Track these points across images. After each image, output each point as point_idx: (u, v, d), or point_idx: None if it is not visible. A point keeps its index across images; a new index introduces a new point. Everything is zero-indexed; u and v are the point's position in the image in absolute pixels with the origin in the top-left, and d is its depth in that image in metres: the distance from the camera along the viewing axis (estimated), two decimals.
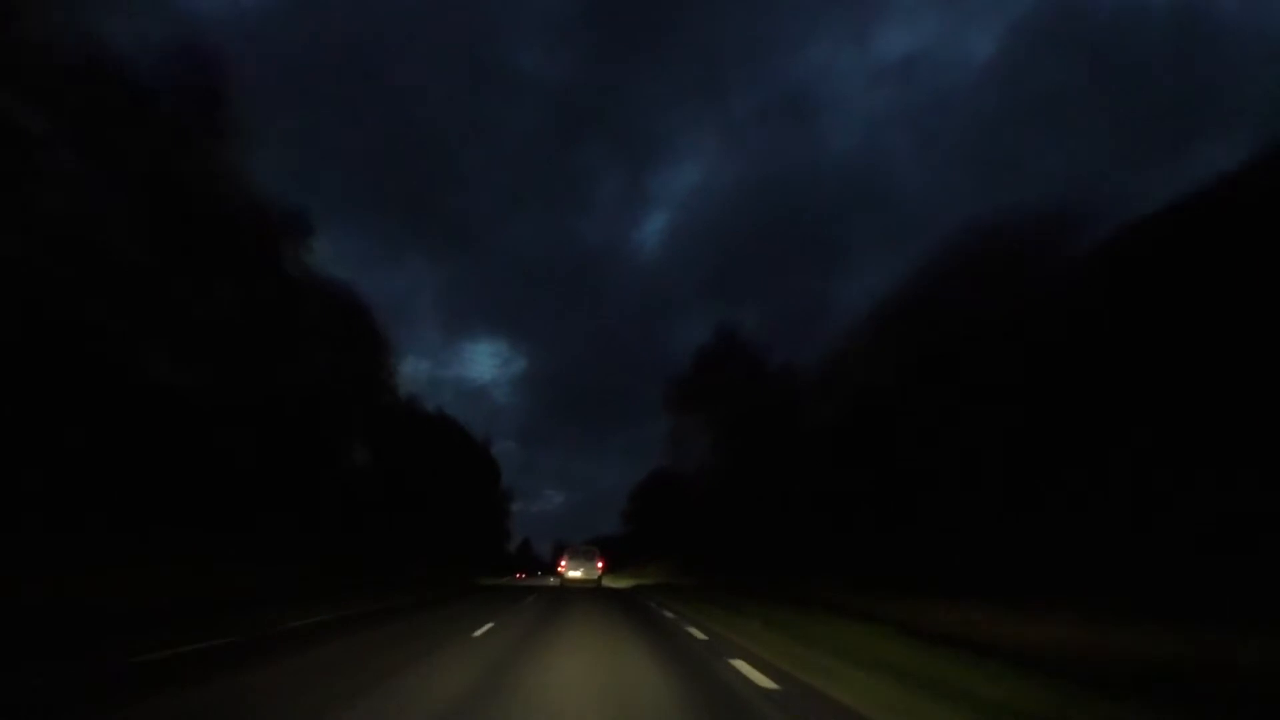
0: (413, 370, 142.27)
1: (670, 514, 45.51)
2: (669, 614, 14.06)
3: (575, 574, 29.17)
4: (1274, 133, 13.36)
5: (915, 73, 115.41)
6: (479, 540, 55.89)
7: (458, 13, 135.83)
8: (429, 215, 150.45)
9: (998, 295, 17.10)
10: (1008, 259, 18.98)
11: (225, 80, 21.16)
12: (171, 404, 17.84)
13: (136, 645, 7.70)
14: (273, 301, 22.39)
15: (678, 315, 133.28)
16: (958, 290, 19.29)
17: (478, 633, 9.84)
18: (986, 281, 18.23)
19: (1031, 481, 13.21)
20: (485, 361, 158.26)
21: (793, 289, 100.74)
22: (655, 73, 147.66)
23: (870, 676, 6.60)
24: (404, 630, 10.33)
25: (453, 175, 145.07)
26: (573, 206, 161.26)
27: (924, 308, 20.53)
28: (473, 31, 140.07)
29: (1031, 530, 12.71)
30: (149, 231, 17.67)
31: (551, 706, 5.18)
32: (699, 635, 10.23)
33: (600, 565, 30.36)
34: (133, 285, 17.19)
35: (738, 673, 6.89)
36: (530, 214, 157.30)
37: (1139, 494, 11.29)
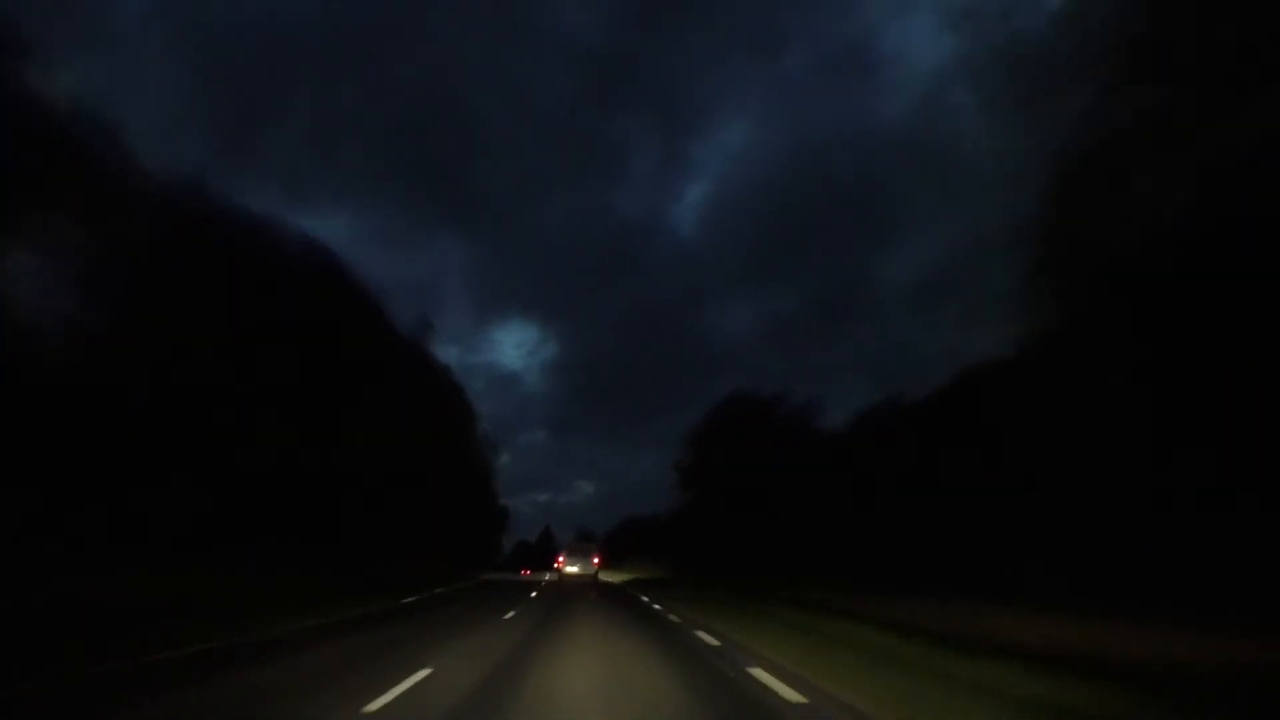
0: (442, 356, 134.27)
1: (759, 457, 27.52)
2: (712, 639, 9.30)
3: (573, 569, 29.53)
4: None
5: (982, 19, 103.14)
6: (451, 518, 36.79)
7: None
8: (456, 190, 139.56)
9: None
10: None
11: None
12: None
13: None
14: None
15: (716, 295, 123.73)
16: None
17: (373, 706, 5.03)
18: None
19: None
20: (515, 347, 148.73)
21: (841, 266, 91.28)
22: (699, 26, 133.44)
23: None
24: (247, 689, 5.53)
25: (481, 145, 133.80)
26: (607, 177, 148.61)
27: None
28: None
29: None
30: None
31: None
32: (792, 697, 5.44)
33: (596, 561, 30.71)
34: None
35: None
36: (562, 187, 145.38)
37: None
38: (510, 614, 13.12)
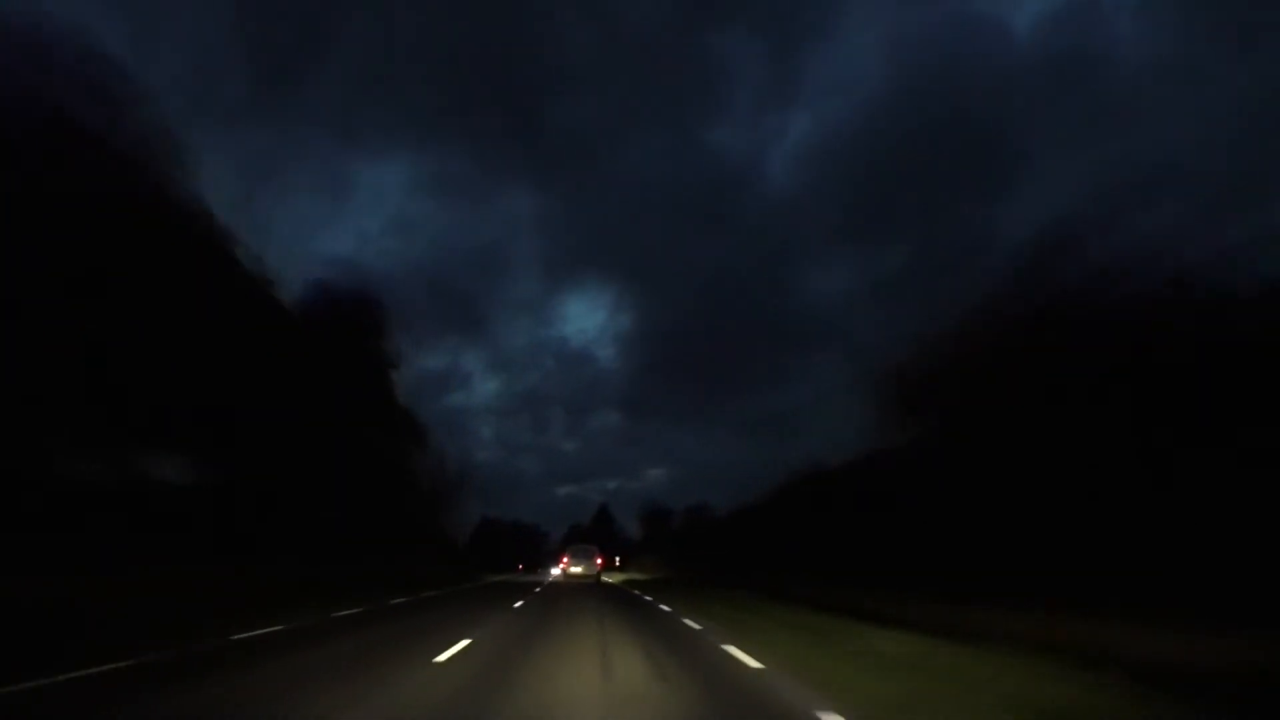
0: (510, 332, 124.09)
1: None
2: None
3: (576, 569, 32.75)
4: None
5: None
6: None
7: None
8: (528, 130, 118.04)
9: None
10: None
11: None
12: None
13: None
14: None
15: (816, 255, 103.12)
16: None
17: None
18: None
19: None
20: (581, 332, 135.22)
21: (968, 213, 78.83)
22: None
23: None
24: None
25: (557, 75, 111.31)
26: (701, 113, 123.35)
27: None
28: None
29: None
30: None
31: None
32: None
33: (599, 562, 34.06)
34: None
35: None
36: (646, 127, 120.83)
37: None
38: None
